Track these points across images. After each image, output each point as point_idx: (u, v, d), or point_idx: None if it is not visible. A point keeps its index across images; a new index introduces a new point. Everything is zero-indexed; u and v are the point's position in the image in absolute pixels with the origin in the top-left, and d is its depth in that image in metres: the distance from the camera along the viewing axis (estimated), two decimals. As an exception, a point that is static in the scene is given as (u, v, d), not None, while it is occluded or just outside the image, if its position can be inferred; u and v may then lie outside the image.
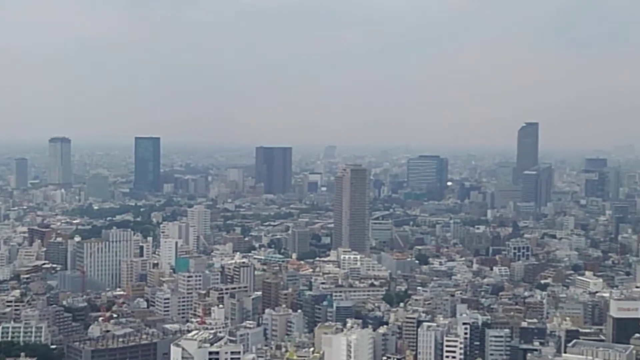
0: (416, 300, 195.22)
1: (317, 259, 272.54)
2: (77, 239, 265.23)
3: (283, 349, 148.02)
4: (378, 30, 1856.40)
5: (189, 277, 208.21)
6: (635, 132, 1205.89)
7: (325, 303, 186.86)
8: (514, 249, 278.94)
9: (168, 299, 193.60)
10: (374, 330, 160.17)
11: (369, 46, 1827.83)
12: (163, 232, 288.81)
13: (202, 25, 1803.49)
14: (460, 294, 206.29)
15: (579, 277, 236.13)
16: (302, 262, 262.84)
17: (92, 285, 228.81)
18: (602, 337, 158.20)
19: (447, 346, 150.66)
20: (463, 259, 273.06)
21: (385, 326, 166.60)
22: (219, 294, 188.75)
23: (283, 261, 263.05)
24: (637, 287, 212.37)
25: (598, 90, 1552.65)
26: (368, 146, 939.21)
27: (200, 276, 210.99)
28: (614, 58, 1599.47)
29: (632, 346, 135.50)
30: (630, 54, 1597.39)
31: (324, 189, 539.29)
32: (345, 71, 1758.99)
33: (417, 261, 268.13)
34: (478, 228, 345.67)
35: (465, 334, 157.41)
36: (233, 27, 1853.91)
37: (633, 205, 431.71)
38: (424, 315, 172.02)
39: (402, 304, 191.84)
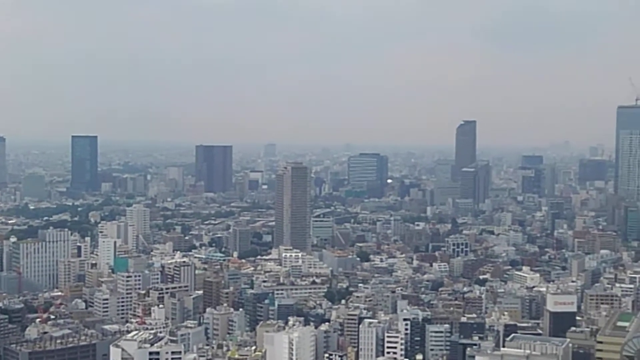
0: (357, 297, 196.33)
1: (259, 257, 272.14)
2: (13, 239, 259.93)
3: (225, 348, 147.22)
4: (318, 30, 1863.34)
5: (128, 277, 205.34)
6: (570, 129, 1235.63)
7: (266, 301, 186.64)
8: (453, 245, 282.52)
9: (107, 299, 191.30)
10: (316, 327, 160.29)
11: (310, 46, 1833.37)
12: (101, 232, 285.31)
13: (140, 22, 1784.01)
14: (401, 290, 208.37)
15: (517, 272, 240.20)
16: (243, 260, 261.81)
17: (29, 286, 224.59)
18: (540, 331, 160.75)
19: (388, 342, 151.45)
20: (403, 255, 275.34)
21: (327, 323, 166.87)
22: (159, 293, 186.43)
23: (224, 260, 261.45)
24: (572, 281, 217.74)
25: (534, 89, 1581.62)
26: (309, 144, 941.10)
27: (139, 276, 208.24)
28: (549, 59, 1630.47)
29: (568, 339, 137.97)
30: (565, 55, 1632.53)
31: (264, 187, 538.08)
32: (286, 70, 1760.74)
33: (358, 258, 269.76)
34: (418, 225, 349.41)
35: (406, 329, 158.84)
36: (172, 24, 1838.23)
37: (568, 201, 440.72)
38: (365, 311, 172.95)
39: (343, 301, 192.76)
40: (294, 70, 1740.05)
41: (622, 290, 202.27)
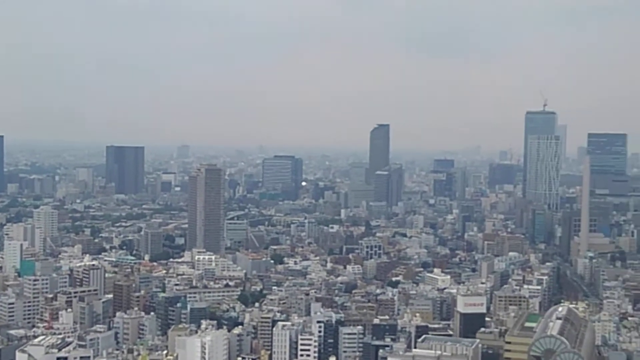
0: (271, 299, 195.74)
1: (171, 260, 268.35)
2: None
3: (135, 353, 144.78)
4: (231, 31, 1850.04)
5: (34, 280, 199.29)
6: (481, 134, 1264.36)
7: (179, 305, 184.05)
8: (367, 247, 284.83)
9: (13, 303, 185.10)
10: (229, 331, 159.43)
11: (225, 47, 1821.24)
12: (7, 234, 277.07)
13: (49, 19, 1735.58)
14: (315, 292, 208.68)
15: (428, 274, 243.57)
16: (155, 263, 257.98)
17: None
18: (450, 332, 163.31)
19: (301, 344, 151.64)
20: (317, 258, 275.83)
21: (240, 326, 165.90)
22: (67, 297, 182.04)
23: (135, 263, 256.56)
24: (482, 283, 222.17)
25: (446, 94, 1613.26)
26: (223, 146, 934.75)
27: (46, 279, 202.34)
28: (461, 65, 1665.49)
29: (477, 340, 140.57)
30: (477, 62, 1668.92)
31: (177, 189, 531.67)
32: (200, 71, 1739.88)
33: (272, 261, 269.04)
34: (332, 227, 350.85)
35: (320, 332, 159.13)
36: (82, 22, 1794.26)
37: (478, 204, 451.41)
38: (279, 314, 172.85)
39: (257, 304, 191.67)
40: (209, 71, 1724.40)
41: (530, 292, 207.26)
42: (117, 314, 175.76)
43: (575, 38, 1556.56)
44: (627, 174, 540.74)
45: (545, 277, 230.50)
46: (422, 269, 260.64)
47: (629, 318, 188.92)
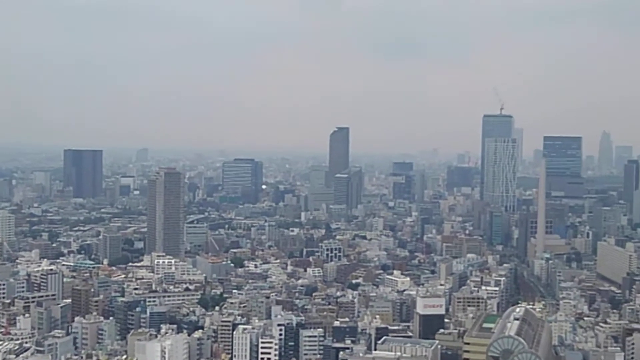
0: (232, 303, 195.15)
1: (130, 264, 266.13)
2: None
3: (94, 358, 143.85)
4: (189, 34, 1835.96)
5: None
6: (439, 137, 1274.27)
7: (138, 309, 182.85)
8: (327, 250, 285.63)
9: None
10: (189, 335, 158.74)
11: (183, 49, 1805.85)
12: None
13: (5, 18, 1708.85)
14: (275, 295, 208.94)
15: (388, 276, 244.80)
16: (114, 267, 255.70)
17: None
18: (410, 334, 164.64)
19: (262, 348, 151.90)
20: (278, 261, 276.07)
21: (200, 330, 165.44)
22: (25, 302, 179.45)
23: (94, 267, 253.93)
24: (441, 284, 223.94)
25: (404, 97, 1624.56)
26: (182, 149, 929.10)
27: (4, 285, 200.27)
28: (417, 68, 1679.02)
29: (437, 341, 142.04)
30: (432, 65, 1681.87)
31: (136, 192, 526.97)
32: (159, 73, 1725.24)
33: (232, 264, 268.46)
34: (292, 230, 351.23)
35: (280, 335, 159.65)
36: (40, 22, 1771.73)
37: (437, 207, 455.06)
38: (239, 318, 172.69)
39: (217, 308, 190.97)
40: (169, 74, 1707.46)
41: (488, 293, 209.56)
42: (76, 319, 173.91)
43: (531, 43, 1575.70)
44: (582, 176, 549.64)
45: (502, 279, 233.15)
46: (381, 271, 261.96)
47: (585, 318, 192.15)
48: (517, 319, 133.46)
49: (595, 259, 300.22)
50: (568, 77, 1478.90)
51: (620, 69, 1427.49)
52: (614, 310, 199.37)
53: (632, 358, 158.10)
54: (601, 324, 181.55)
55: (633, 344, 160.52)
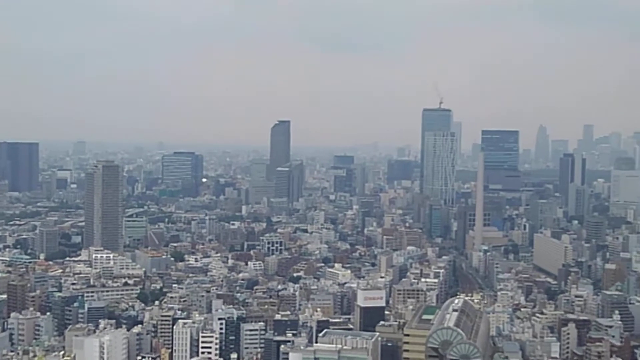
0: (171, 297, 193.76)
1: (68, 259, 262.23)
2: None
3: (31, 354, 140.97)
4: (129, 25, 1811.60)
5: None
6: (379, 130, 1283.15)
7: (76, 304, 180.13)
8: (268, 243, 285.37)
9: None
10: (128, 330, 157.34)
11: (119, 41, 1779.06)
12: None
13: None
14: (216, 289, 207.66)
15: (329, 269, 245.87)
16: (50, 262, 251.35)
17: None
18: (351, 326, 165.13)
19: (202, 342, 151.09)
20: (219, 254, 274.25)
21: (139, 325, 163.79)
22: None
23: (30, 262, 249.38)
24: (381, 277, 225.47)
25: (345, 91, 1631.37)
26: (121, 142, 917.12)
27: None
28: (357, 62, 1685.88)
29: (377, 333, 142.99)
30: (373, 59, 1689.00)
31: (74, 186, 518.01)
32: (96, 65, 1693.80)
33: (172, 258, 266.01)
34: (233, 224, 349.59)
35: (221, 329, 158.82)
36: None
37: (377, 200, 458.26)
38: (179, 312, 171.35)
39: (157, 302, 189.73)
40: (107, 66, 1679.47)
41: (427, 285, 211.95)
42: (12, 314, 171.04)
43: (470, 39, 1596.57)
44: (519, 169, 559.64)
45: (442, 271, 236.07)
46: (323, 264, 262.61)
47: (522, 309, 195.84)
48: (456, 311, 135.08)
49: (532, 251, 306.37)
50: (506, 73, 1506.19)
51: (557, 65, 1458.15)
52: (550, 301, 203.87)
53: (568, 347, 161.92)
54: (538, 315, 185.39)
55: (568, 333, 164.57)
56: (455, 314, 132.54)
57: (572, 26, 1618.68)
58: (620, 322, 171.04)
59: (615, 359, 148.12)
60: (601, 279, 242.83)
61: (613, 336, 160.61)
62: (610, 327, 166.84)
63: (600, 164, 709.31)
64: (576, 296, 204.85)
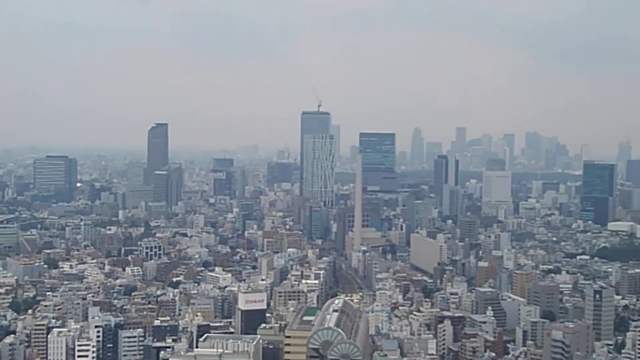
0: (46, 306, 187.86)
1: None
2: None
3: None
4: (8, 29, 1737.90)
5: None
6: (259, 133, 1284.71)
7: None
8: (146, 248, 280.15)
9: None
10: (0, 340, 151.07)
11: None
12: None
13: None
14: (92, 296, 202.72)
15: (210, 273, 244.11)
16: None
17: None
18: (232, 330, 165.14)
19: (79, 351, 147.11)
20: (95, 261, 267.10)
21: (12, 335, 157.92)
22: None
23: None
24: (262, 279, 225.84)
25: (224, 93, 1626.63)
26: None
27: None
28: (238, 64, 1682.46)
29: (259, 336, 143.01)
30: (254, 61, 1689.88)
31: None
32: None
33: (45, 265, 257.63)
34: (110, 229, 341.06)
35: (98, 336, 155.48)
36: None
37: (258, 202, 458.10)
38: (54, 321, 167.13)
39: (30, 311, 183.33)
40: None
41: (308, 286, 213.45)
42: None
43: (348, 44, 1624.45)
44: (395, 171, 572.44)
45: (322, 272, 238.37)
46: (203, 268, 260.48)
47: (400, 307, 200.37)
48: (336, 311, 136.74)
49: (409, 250, 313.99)
50: (383, 77, 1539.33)
51: (431, 70, 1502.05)
52: (427, 299, 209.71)
53: (444, 344, 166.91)
54: (415, 313, 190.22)
55: (444, 330, 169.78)
56: (336, 314, 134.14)
57: (446, 33, 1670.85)
58: (493, 318, 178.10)
59: (489, 354, 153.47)
60: (475, 277, 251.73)
61: (487, 332, 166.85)
62: (484, 322, 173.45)
63: (472, 165, 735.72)
64: (451, 294, 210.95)
